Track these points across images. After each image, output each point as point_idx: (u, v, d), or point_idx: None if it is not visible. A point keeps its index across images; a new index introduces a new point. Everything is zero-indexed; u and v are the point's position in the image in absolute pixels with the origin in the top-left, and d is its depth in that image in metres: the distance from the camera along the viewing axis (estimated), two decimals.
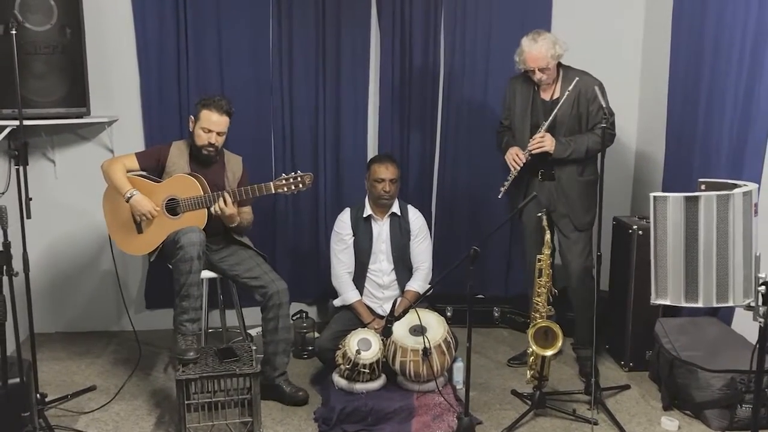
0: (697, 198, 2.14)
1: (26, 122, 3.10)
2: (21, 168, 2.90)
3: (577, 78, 3.29)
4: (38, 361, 3.03)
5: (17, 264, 2.51)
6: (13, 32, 2.86)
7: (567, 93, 3.17)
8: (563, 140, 3.37)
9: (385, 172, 3.51)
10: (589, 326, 3.62)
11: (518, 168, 3.40)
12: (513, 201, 3.59)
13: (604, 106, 3.05)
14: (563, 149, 3.36)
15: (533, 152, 3.37)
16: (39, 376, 3.06)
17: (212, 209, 3.18)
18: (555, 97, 3.42)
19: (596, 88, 3.19)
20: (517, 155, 3.40)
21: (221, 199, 3.16)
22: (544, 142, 3.35)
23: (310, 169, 3.99)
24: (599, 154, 3.16)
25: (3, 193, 3.68)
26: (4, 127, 3.49)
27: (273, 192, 3.21)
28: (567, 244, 3.56)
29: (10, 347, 2.54)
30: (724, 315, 3.39)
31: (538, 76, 3.35)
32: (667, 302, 2.20)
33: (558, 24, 4.15)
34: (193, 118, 3.32)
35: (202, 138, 3.27)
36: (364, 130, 4.21)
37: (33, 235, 3.15)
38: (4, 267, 2.39)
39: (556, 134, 3.40)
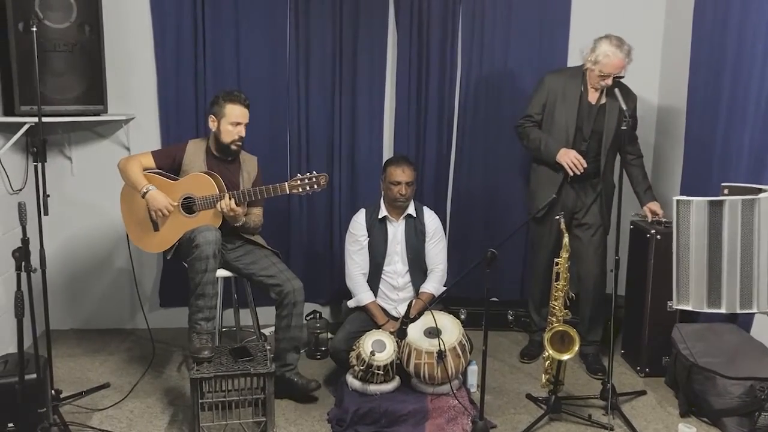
0: (721, 202, 2.11)
1: (44, 119, 3.10)
2: (39, 165, 2.91)
3: (619, 86, 3.35)
4: (53, 357, 3.05)
5: (34, 260, 2.52)
6: (34, 29, 2.88)
7: (613, 100, 3.22)
8: (651, 191, 3.66)
9: (401, 175, 3.49)
10: (597, 326, 3.68)
11: (579, 174, 3.46)
12: (540, 202, 3.60)
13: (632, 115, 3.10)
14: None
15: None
16: (54, 372, 3.07)
17: (217, 206, 3.17)
18: (602, 102, 3.49)
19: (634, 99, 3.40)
20: (578, 160, 3.43)
21: (226, 199, 3.15)
22: (659, 207, 3.60)
23: (325, 169, 3.98)
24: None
25: (21, 189, 3.70)
26: (23, 123, 3.50)
27: (288, 192, 3.21)
28: (590, 247, 3.60)
29: (26, 343, 2.54)
30: (743, 321, 3.35)
31: (607, 81, 3.38)
32: (689, 308, 2.17)
33: (577, 28, 4.12)
34: (214, 117, 3.30)
35: (231, 133, 3.26)
36: (380, 130, 4.20)
37: (49, 231, 3.16)
38: (23, 263, 2.39)
39: (597, 140, 3.52)
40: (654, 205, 3.59)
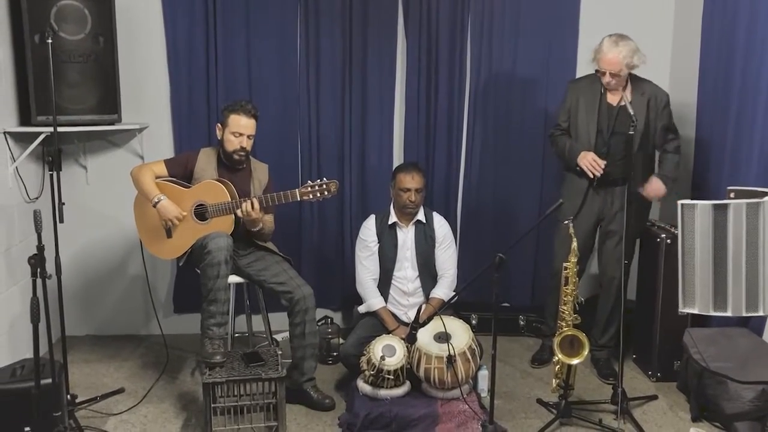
0: (726, 206, 2.11)
1: (60, 129, 3.18)
2: (54, 173, 2.97)
3: (647, 83, 3.41)
4: (69, 363, 3.10)
5: (50, 267, 2.57)
6: (49, 41, 2.95)
7: (631, 101, 3.17)
8: (666, 177, 3.49)
9: (411, 182, 3.51)
10: (613, 331, 3.68)
11: (598, 175, 3.43)
12: (568, 209, 3.52)
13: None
14: (669, 186, 3.50)
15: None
16: (69, 377, 3.12)
17: (239, 211, 3.21)
18: (623, 103, 3.40)
19: (667, 97, 3.37)
20: (595, 161, 3.42)
21: (248, 202, 3.20)
22: (659, 191, 3.47)
23: (335, 176, 4.02)
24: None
25: (37, 198, 3.77)
26: (39, 133, 3.57)
27: (298, 199, 3.23)
28: (615, 254, 3.56)
29: (43, 349, 2.59)
30: (755, 325, 3.33)
31: (607, 79, 3.38)
32: (695, 311, 2.17)
33: (586, 31, 4.13)
34: (220, 125, 3.36)
35: (233, 143, 3.31)
36: (390, 136, 4.23)
37: (64, 239, 3.22)
38: (38, 270, 2.44)
39: (621, 141, 3.39)
40: (656, 182, 3.49)
